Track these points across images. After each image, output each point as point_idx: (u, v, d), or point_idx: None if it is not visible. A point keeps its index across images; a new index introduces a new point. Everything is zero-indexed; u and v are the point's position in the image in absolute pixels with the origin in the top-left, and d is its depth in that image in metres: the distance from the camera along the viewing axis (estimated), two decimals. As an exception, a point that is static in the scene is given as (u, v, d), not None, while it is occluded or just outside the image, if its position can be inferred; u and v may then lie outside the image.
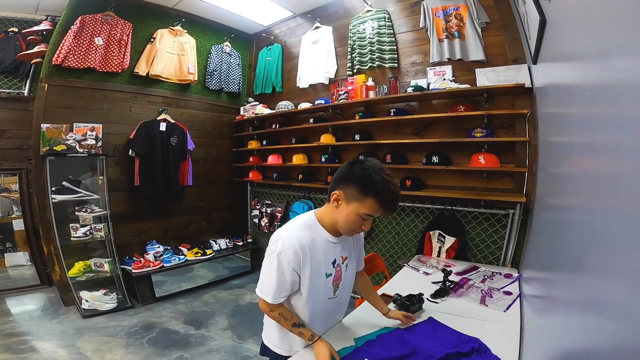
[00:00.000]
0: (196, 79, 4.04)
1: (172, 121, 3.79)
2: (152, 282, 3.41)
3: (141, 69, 3.58)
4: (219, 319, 3.11)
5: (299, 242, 1.19)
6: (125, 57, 3.45)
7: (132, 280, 3.30)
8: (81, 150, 3.14)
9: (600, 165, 0.67)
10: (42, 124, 3.04)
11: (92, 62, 3.22)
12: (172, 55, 3.79)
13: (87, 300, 3.06)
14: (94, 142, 3.22)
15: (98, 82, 3.37)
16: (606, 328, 0.52)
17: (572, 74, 1.00)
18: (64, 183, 3.09)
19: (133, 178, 3.56)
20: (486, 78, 2.48)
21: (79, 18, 3.13)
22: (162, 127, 3.68)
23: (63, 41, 3.09)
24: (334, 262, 1.31)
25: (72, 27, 3.11)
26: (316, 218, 1.29)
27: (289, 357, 1.32)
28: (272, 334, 1.39)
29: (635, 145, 0.46)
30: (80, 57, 3.16)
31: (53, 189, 3.02)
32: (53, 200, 2.99)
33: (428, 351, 1.33)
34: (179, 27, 3.82)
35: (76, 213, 3.21)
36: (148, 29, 3.67)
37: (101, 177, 3.31)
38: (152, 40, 3.64)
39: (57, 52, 3.06)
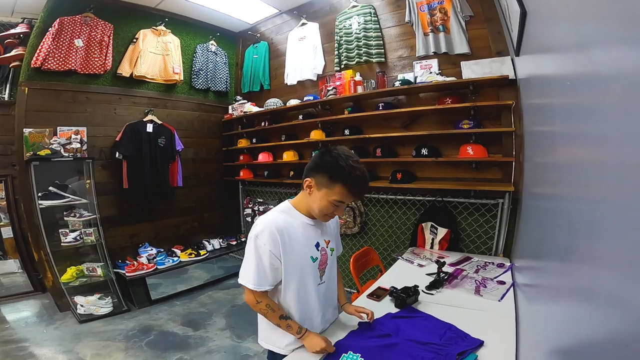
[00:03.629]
0: (182, 78, 3.99)
1: (159, 122, 3.74)
2: (147, 285, 3.39)
3: (124, 70, 3.52)
4: (217, 319, 3.11)
5: (275, 224, 1.21)
6: (107, 58, 3.38)
7: (127, 284, 3.27)
8: (66, 155, 3.08)
9: (583, 153, 0.68)
10: (24, 129, 2.97)
11: (72, 64, 3.16)
12: (156, 55, 3.73)
13: (82, 305, 3.02)
14: (79, 145, 3.16)
15: (80, 85, 3.30)
16: (598, 317, 0.53)
17: (553, 65, 1.02)
18: (50, 188, 3.03)
19: (121, 181, 3.51)
20: (471, 71, 2.53)
21: (57, 20, 3.06)
22: (149, 128, 3.63)
23: (41, 44, 3.02)
24: (317, 245, 1.33)
25: (50, 29, 3.04)
26: (291, 204, 1.32)
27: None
28: (269, 334, 1.38)
29: (617, 133, 0.47)
30: (60, 60, 3.09)
31: (39, 194, 2.96)
32: (40, 206, 2.94)
33: (409, 336, 1.36)
34: (162, 27, 3.76)
35: (65, 218, 3.16)
36: (130, 29, 3.60)
37: (88, 181, 3.25)
38: (134, 40, 3.58)
39: (36, 54, 2.99)
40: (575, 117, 0.76)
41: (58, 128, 3.14)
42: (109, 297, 3.18)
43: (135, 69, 3.58)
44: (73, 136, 3.17)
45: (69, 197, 3.13)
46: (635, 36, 0.41)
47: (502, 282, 1.92)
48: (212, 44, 4.30)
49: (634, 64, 0.41)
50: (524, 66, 1.98)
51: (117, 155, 3.44)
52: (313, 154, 3.46)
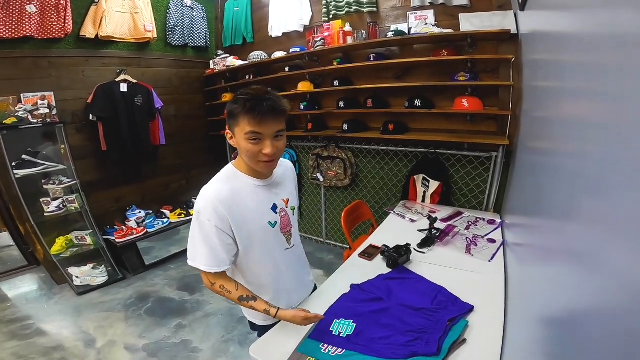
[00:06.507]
0: (155, 36, 3.68)
1: (134, 81, 3.47)
2: (139, 250, 3.37)
3: (88, 31, 3.19)
4: (212, 281, 3.15)
5: (218, 198, 1.08)
6: (67, 21, 3.05)
7: (118, 251, 3.24)
8: (34, 121, 2.86)
9: (599, 111, 0.63)
10: (-15, 99, 2.72)
11: (27, 31, 2.86)
12: (123, 14, 3.39)
13: (77, 277, 3.02)
14: (47, 111, 2.93)
15: (40, 50, 3.00)
16: (597, 284, 0.52)
17: (566, 22, 0.94)
18: (23, 157, 2.86)
19: (99, 143, 3.32)
20: (470, 24, 2.36)
21: (2, -13, 2.69)
22: (123, 88, 3.38)
23: (-12, 13, 2.68)
24: (274, 208, 1.21)
25: (-5, -3, 2.69)
26: (234, 167, 1.19)
27: (274, 324, 1.28)
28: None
29: (636, 93, 0.44)
30: (13, 27, 2.80)
31: (13, 164, 2.79)
32: (16, 176, 2.78)
33: (401, 300, 1.37)
34: (127, -15, 3.36)
35: (44, 186, 3.02)
36: (89, -11, 3.20)
37: (63, 146, 3.07)
38: (96, 1, 3.20)
39: (-15, 25, 2.67)
40: (589, 75, 0.70)
41: (22, 95, 2.89)
42: (103, 266, 3.17)
43: (100, 30, 3.25)
44: (39, 102, 2.93)
45: (45, 164, 2.96)
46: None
47: (492, 241, 1.93)
48: (186, -1, 3.93)
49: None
50: (528, 21, 1.86)
51: (91, 118, 3.23)
52: (302, 106, 3.36)
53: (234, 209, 1.10)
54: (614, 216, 0.49)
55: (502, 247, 1.84)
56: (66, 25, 3.06)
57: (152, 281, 3.20)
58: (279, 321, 1.25)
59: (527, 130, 1.77)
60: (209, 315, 2.66)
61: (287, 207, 1.26)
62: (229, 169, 1.19)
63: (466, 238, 1.97)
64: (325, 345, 1.17)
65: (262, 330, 1.32)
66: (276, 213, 1.21)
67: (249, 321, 1.39)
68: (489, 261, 1.73)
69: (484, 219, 2.27)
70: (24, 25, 2.85)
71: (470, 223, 2.23)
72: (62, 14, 3.02)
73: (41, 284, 3.18)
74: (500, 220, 2.23)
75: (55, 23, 3.00)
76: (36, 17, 2.90)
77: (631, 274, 0.40)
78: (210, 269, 1.10)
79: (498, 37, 2.33)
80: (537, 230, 1.15)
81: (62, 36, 3.07)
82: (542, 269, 0.96)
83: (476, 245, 1.89)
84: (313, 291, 1.51)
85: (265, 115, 1.03)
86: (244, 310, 1.35)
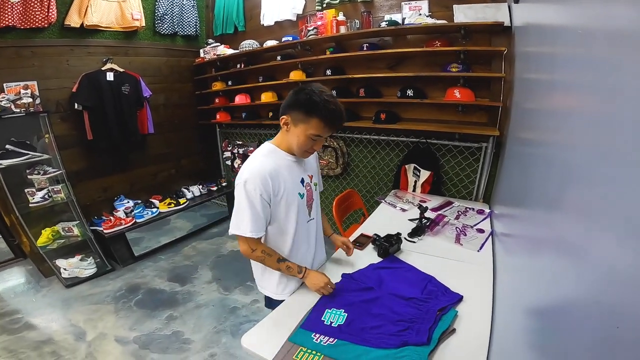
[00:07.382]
0: (143, 24, 3.58)
1: (121, 70, 3.39)
2: (128, 241, 3.32)
3: (73, 20, 3.10)
4: (203, 272, 3.14)
5: (264, 169, 1.23)
6: (51, 10, 2.96)
7: (106, 242, 3.18)
8: (17, 110, 2.78)
9: (589, 104, 0.64)
10: (-33, 89, 2.64)
11: (9, 21, 2.78)
12: (110, 3, 3.30)
13: (65, 269, 2.97)
14: (30, 100, 2.86)
15: (22, 40, 2.91)
16: (584, 275, 0.52)
17: (560, 15, 0.95)
18: (7, 146, 2.78)
19: (85, 132, 3.25)
20: (464, 15, 2.36)
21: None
22: (109, 77, 3.30)
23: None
24: (302, 182, 1.37)
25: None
26: (274, 145, 1.34)
27: None
28: (267, 282, 1.44)
29: (634, 88, 0.44)
30: None
31: (-4, 154, 2.71)
32: (0, 166, 2.70)
33: (392, 290, 1.39)
34: (114, -28, 3.25)
35: (29, 177, 2.94)
36: (75, -23, 3.08)
37: (47, 136, 2.99)
38: None
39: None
40: (581, 68, 0.71)
41: (4, 84, 2.82)
42: (91, 257, 3.12)
43: (85, 19, 3.16)
44: (22, 91, 2.85)
45: (29, 154, 2.88)
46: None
47: (481, 230, 1.96)
48: (177, -14, 3.83)
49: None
50: (522, 14, 1.86)
51: (76, 107, 3.15)
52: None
53: (276, 179, 1.25)
54: (602, 208, 0.49)
55: (490, 237, 1.87)
56: (50, 14, 2.98)
57: (141, 272, 3.17)
58: None
59: (517, 121, 1.79)
60: (200, 306, 2.65)
61: (311, 182, 1.42)
62: (269, 147, 1.34)
63: (456, 228, 2.00)
64: (317, 335, 1.18)
65: (278, 305, 1.38)
66: (303, 186, 1.38)
67: (265, 297, 1.49)
68: (478, 251, 1.76)
69: (473, 209, 2.31)
70: (6, 15, 2.77)
71: (459, 213, 2.26)
72: (46, 3, 2.95)
73: (28, 277, 3.12)
74: (489, 210, 2.26)
75: (39, 12, 2.92)
76: (19, 7, 2.83)
77: (619, 266, 0.41)
78: (254, 234, 1.23)
79: (491, 29, 2.33)
80: (525, 220, 1.16)
81: (46, 25, 2.99)
82: (529, 259, 0.96)
83: (465, 235, 1.92)
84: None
85: (337, 128, 1.26)
86: (261, 289, 1.47)
